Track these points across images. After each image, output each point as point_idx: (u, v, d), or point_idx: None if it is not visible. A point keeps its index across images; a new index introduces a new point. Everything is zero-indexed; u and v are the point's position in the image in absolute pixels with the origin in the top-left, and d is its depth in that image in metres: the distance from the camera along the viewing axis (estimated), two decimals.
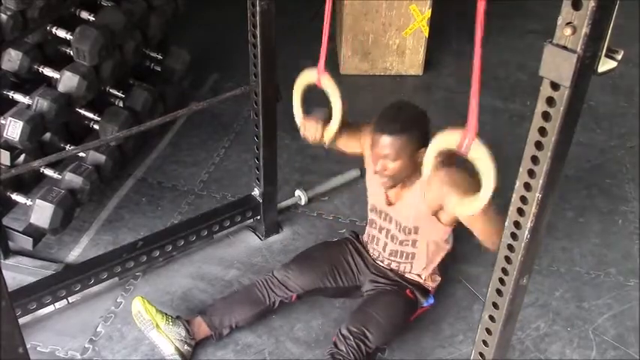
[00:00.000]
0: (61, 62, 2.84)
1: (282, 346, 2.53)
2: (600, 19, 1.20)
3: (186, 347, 2.39)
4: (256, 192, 2.91)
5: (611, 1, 1.20)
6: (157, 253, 2.75)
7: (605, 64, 1.30)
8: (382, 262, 2.56)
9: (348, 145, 2.51)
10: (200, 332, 2.47)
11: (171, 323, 2.39)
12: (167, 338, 2.36)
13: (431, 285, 2.57)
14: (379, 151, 2.22)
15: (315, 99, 2.41)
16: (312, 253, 2.64)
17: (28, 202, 2.69)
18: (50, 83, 2.86)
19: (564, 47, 1.24)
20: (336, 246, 2.66)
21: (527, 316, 2.67)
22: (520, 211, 1.49)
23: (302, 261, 2.57)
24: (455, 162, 1.98)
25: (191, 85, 3.86)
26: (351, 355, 2.29)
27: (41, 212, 2.62)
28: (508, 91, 4.08)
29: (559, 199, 3.18)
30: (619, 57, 1.30)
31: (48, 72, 2.83)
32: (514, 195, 1.48)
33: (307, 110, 2.44)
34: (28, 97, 2.75)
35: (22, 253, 2.79)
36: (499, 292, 1.65)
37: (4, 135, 2.60)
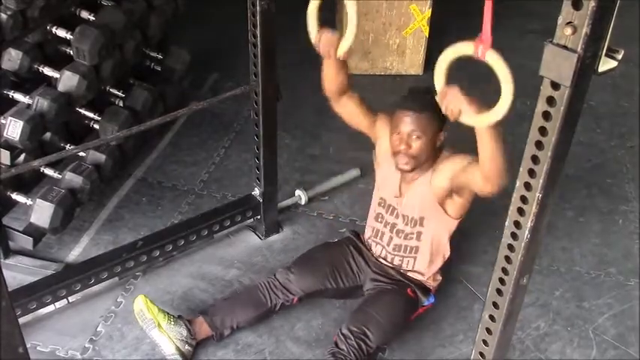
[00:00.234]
0: (61, 62, 2.84)
1: (283, 346, 2.53)
2: (600, 18, 1.20)
3: (187, 347, 2.39)
4: (256, 192, 2.91)
5: (612, 0, 1.20)
6: (157, 252, 2.75)
7: (606, 64, 1.30)
8: (385, 258, 2.56)
9: (357, 116, 2.49)
10: (201, 332, 2.46)
11: (172, 323, 2.39)
12: (168, 338, 2.36)
13: (432, 284, 2.57)
14: (404, 129, 2.30)
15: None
16: (312, 255, 2.63)
17: (29, 202, 2.69)
18: (50, 83, 2.86)
19: (565, 47, 1.24)
20: (337, 247, 2.66)
21: (528, 315, 2.67)
22: (520, 211, 1.49)
23: (303, 264, 2.57)
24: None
25: (191, 84, 3.85)
26: (352, 354, 2.30)
27: (41, 212, 2.62)
28: None
29: (559, 199, 3.18)
30: (619, 56, 1.30)
31: (48, 71, 2.83)
32: (514, 194, 1.49)
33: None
34: (28, 97, 2.74)
35: (22, 252, 2.79)
36: (499, 291, 1.65)
37: (5, 134, 2.60)
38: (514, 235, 1.54)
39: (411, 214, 2.45)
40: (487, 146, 1.98)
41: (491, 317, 1.70)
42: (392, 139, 2.36)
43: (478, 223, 2.85)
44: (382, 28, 4.07)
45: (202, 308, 2.57)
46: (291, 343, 2.54)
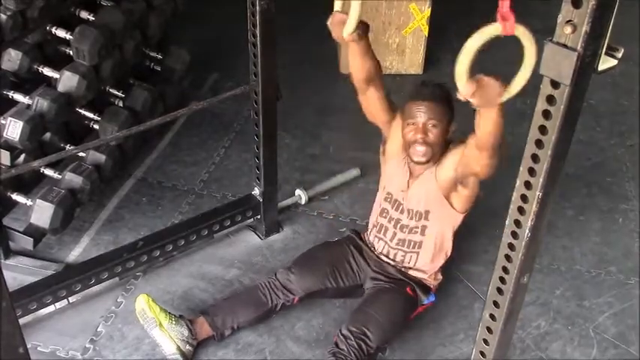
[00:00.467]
0: (60, 62, 2.84)
1: (283, 345, 2.53)
2: (600, 17, 1.20)
3: (187, 347, 2.39)
4: (256, 191, 2.91)
5: None
6: (158, 252, 2.75)
7: (606, 62, 1.30)
8: (387, 254, 2.57)
9: (379, 110, 2.47)
10: (202, 332, 2.46)
11: (174, 322, 2.39)
12: (169, 337, 2.36)
13: (433, 283, 2.57)
14: (420, 119, 2.32)
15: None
16: (313, 255, 2.63)
17: (29, 202, 2.69)
18: (50, 83, 2.86)
19: (564, 45, 1.24)
20: (337, 246, 2.66)
21: (528, 314, 2.67)
22: (520, 210, 1.49)
23: (303, 264, 2.57)
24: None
25: (191, 84, 3.85)
26: (353, 354, 2.30)
27: (41, 212, 2.62)
28: None
29: (559, 198, 3.18)
30: (619, 55, 1.30)
31: (48, 72, 2.83)
32: (514, 193, 1.49)
33: None
34: (27, 97, 2.74)
35: (22, 253, 2.78)
36: (500, 290, 1.65)
37: (4, 135, 2.59)
38: (514, 234, 1.54)
39: (416, 207, 2.46)
40: (490, 121, 1.94)
41: (492, 316, 1.70)
42: (405, 131, 2.37)
43: (478, 223, 2.84)
44: (382, 27, 4.07)
45: (203, 308, 2.57)
46: (291, 343, 2.54)
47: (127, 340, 2.52)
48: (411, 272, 2.54)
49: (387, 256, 2.57)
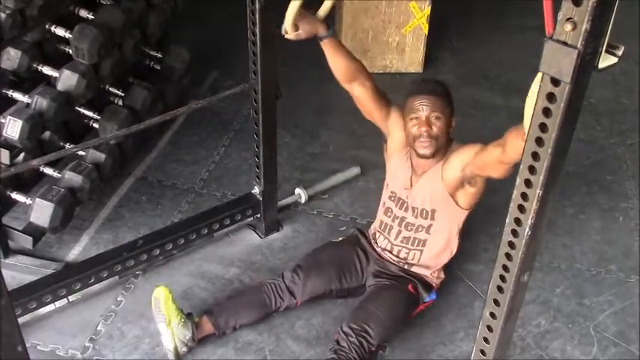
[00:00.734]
0: (60, 61, 2.83)
1: (283, 344, 2.53)
2: (601, 14, 1.19)
3: (184, 349, 2.40)
4: (256, 190, 2.91)
5: None
6: (157, 251, 2.74)
7: (606, 60, 1.29)
8: (391, 251, 2.56)
9: (369, 107, 2.48)
10: (204, 331, 2.47)
11: (181, 324, 2.37)
12: (172, 335, 2.36)
13: (435, 282, 2.57)
14: (423, 113, 2.33)
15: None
16: (319, 259, 2.61)
17: (28, 201, 2.69)
18: (49, 82, 2.86)
19: (565, 43, 1.23)
20: (343, 248, 2.65)
21: (528, 313, 2.67)
22: (521, 208, 1.48)
23: (309, 270, 2.56)
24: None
25: (191, 83, 3.85)
26: (354, 351, 2.30)
27: (41, 211, 2.62)
28: (508, 87, 4.08)
29: (559, 196, 3.18)
30: (619, 53, 1.29)
31: (47, 70, 2.82)
32: (515, 192, 1.48)
33: None
34: (27, 96, 2.74)
35: (22, 252, 2.78)
36: (500, 289, 1.64)
37: (4, 134, 2.59)
38: (515, 232, 1.53)
39: (421, 206, 2.45)
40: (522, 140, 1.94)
41: (492, 314, 1.70)
42: (408, 126, 2.37)
43: (478, 221, 2.84)
44: (381, 25, 4.07)
45: (207, 308, 2.56)
46: (291, 342, 2.54)
47: (127, 339, 2.52)
48: (414, 269, 2.54)
49: (390, 252, 2.57)
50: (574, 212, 3.22)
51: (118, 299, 2.67)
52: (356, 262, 2.59)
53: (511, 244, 1.56)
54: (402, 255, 2.55)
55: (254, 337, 2.54)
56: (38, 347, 2.46)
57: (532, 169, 1.42)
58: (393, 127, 2.47)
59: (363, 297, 2.52)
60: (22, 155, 2.84)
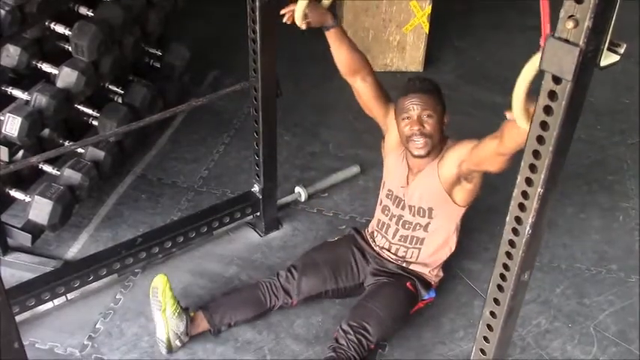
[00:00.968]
0: (59, 58, 2.83)
1: (282, 343, 2.52)
2: (603, 12, 1.18)
3: (177, 342, 2.40)
4: (256, 188, 2.90)
5: None
6: (157, 249, 2.74)
7: (608, 58, 1.29)
8: (389, 249, 2.56)
9: (369, 102, 2.48)
10: (199, 327, 2.47)
11: (176, 315, 2.38)
12: (165, 325, 2.36)
13: (434, 279, 2.57)
14: (415, 112, 2.32)
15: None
16: (314, 259, 2.61)
17: (27, 199, 2.68)
18: (49, 79, 2.85)
19: (566, 40, 1.23)
20: (339, 248, 2.64)
21: (528, 312, 2.66)
22: (521, 207, 1.48)
23: (304, 270, 2.56)
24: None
25: (191, 81, 3.84)
26: (353, 349, 2.30)
27: (40, 208, 2.62)
28: (509, 86, 4.06)
29: (560, 195, 3.17)
30: (621, 50, 1.29)
31: (46, 68, 2.82)
32: (515, 190, 1.47)
33: None
34: (26, 93, 2.73)
35: (20, 249, 2.78)
36: (500, 288, 1.64)
37: (3, 131, 2.59)
38: (515, 231, 1.52)
39: (418, 204, 2.45)
40: (524, 135, 1.93)
41: (492, 314, 1.69)
42: (401, 126, 2.36)
43: (479, 220, 2.84)
44: (382, 24, 4.06)
45: (202, 303, 2.56)
46: (290, 340, 2.53)
47: (126, 336, 2.52)
48: (412, 267, 2.54)
49: (388, 251, 2.56)
50: (574, 212, 3.21)
51: (117, 297, 2.67)
52: (352, 262, 2.59)
53: (512, 243, 1.55)
54: (400, 253, 2.54)
55: (253, 335, 2.53)
56: (37, 345, 2.46)
57: (533, 168, 1.41)
58: (392, 124, 2.47)
59: (362, 295, 2.52)
60: (21, 152, 2.84)
